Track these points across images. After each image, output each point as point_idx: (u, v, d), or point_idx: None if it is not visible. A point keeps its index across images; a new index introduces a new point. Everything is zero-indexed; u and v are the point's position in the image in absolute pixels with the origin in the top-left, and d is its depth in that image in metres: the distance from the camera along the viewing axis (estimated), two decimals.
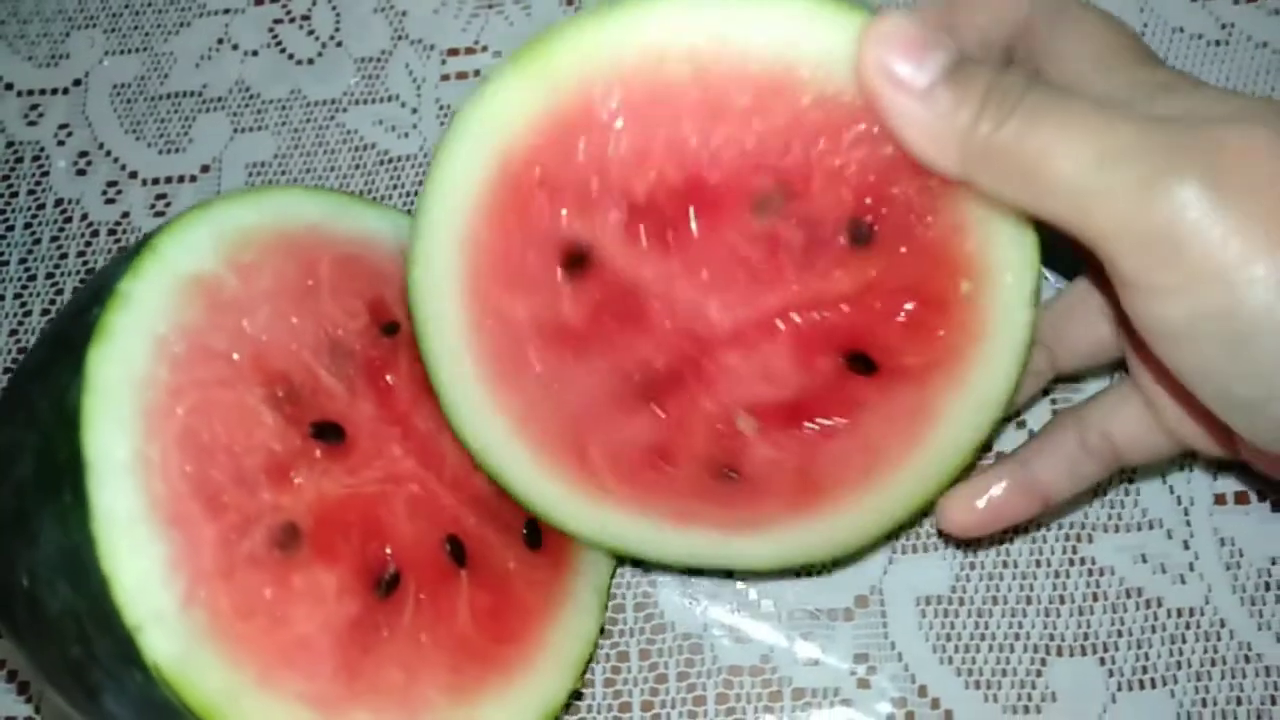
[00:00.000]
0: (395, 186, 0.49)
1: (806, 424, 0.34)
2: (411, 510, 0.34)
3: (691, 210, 0.31)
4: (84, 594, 0.28)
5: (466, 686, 0.33)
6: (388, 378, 0.35)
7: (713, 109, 0.29)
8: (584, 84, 0.29)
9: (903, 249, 0.31)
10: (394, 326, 0.36)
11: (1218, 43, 0.46)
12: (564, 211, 0.31)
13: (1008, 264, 0.31)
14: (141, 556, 0.28)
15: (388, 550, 0.33)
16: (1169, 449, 0.34)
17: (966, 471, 0.35)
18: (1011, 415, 0.38)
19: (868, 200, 0.30)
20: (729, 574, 0.41)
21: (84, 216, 0.50)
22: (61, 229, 0.50)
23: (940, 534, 0.41)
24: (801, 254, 0.31)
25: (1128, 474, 0.41)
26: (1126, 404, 0.35)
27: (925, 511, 0.37)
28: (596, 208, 0.31)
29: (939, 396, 0.33)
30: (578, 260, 0.32)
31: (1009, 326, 0.31)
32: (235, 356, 0.31)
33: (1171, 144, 0.25)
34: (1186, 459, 0.40)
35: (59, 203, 0.50)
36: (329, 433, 0.33)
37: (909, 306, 0.32)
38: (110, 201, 0.50)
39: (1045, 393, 0.41)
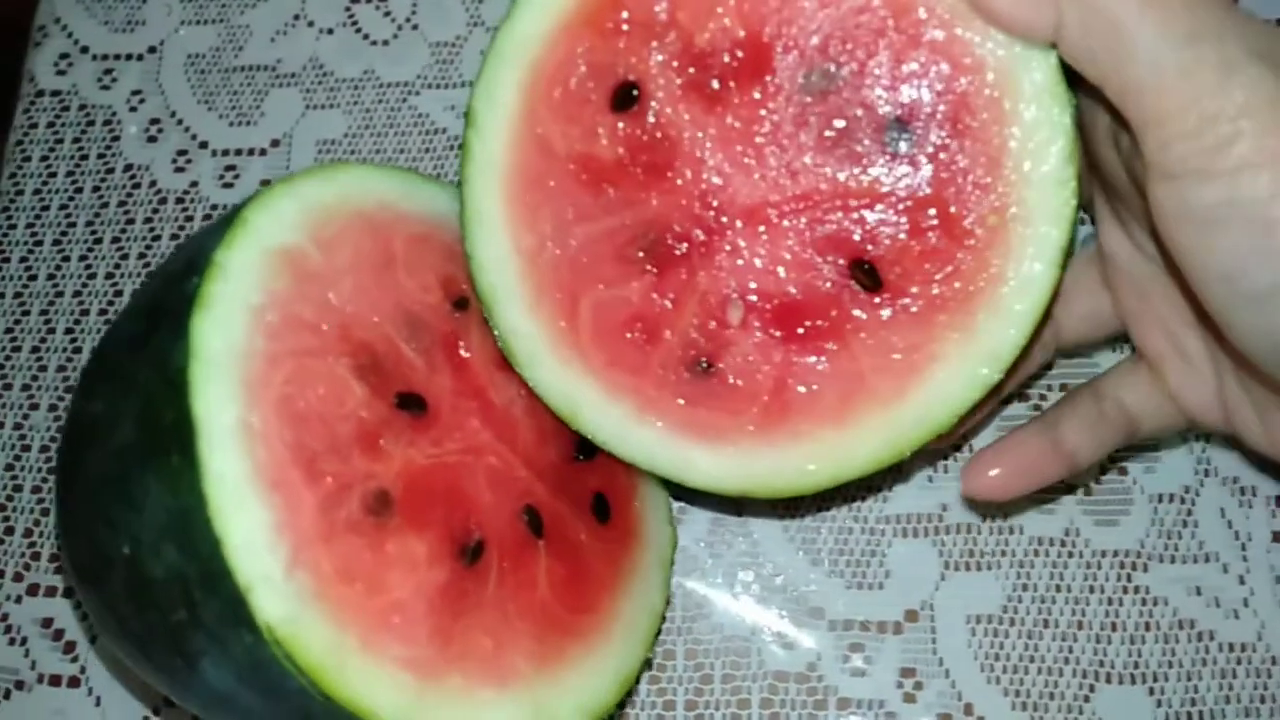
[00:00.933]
0: None
1: (795, 335, 0.33)
2: (491, 481, 0.34)
3: (744, 67, 0.32)
4: (192, 556, 0.28)
5: (549, 655, 0.33)
6: (463, 352, 0.36)
7: None
8: None
9: (939, 165, 0.31)
10: (465, 302, 0.36)
11: None
12: (622, 44, 0.33)
13: (1046, 213, 0.30)
14: (250, 519, 0.28)
15: (472, 520, 0.33)
16: (1177, 420, 0.36)
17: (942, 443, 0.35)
18: (1012, 395, 0.39)
19: (918, 106, 0.31)
20: (687, 494, 0.42)
21: (153, 183, 0.50)
22: (129, 194, 0.50)
23: (977, 507, 0.41)
24: (838, 143, 0.32)
25: (1187, 504, 0.41)
26: (1135, 374, 0.36)
27: (893, 468, 0.34)
28: (656, 44, 0.32)
29: (939, 339, 0.32)
30: (625, 97, 0.33)
31: (1029, 280, 0.31)
32: (324, 327, 0.31)
33: (1259, 33, 0.26)
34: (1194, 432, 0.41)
35: (128, 168, 0.50)
36: (413, 403, 0.33)
37: (932, 219, 0.31)
38: (180, 170, 0.50)
39: (1047, 367, 0.41)
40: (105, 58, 0.53)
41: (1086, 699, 0.39)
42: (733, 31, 0.31)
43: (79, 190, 0.50)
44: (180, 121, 0.51)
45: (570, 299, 0.35)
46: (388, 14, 0.52)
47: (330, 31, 0.52)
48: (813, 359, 0.33)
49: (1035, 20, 0.28)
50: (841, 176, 0.32)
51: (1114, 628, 0.40)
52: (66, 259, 0.49)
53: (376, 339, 0.33)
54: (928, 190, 0.31)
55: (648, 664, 0.40)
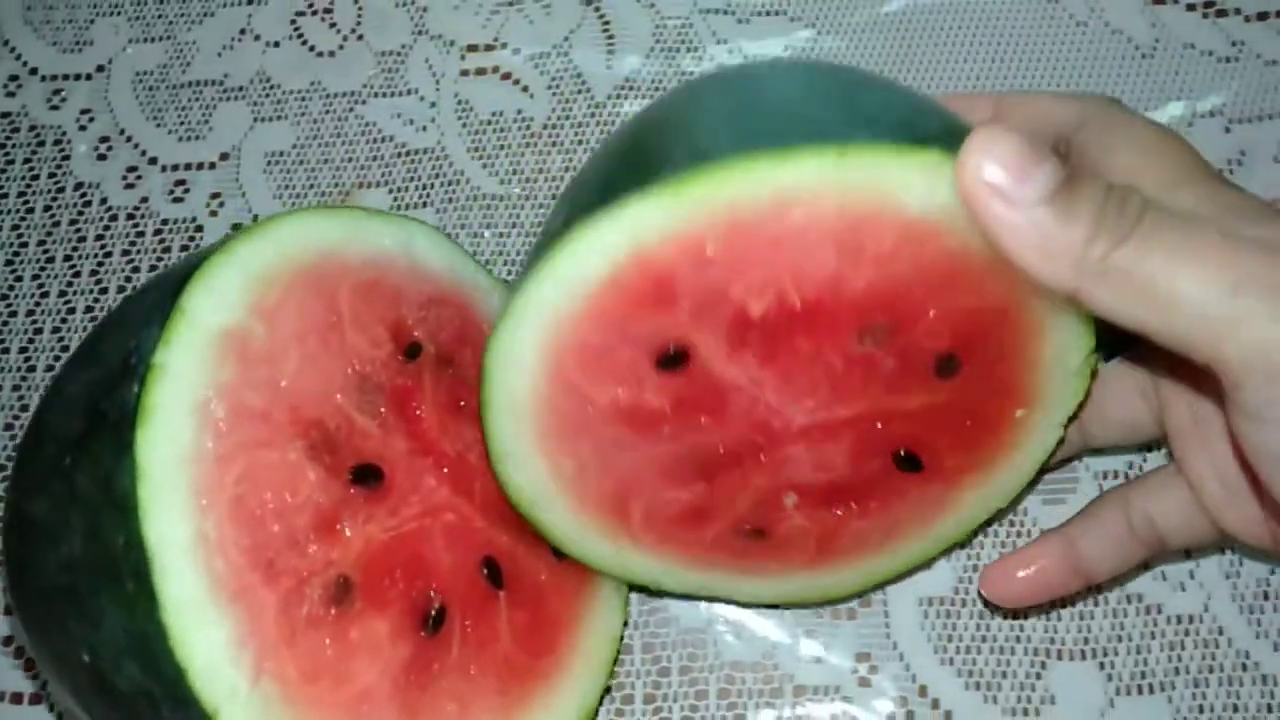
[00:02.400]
0: (412, 179, 0.49)
1: (843, 507, 0.36)
2: (449, 539, 0.34)
3: (798, 328, 0.31)
4: (155, 677, 0.28)
5: (513, 705, 0.34)
6: (416, 409, 0.34)
7: (849, 247, 0.29)
8: (728, 209, 0.28)
9: (978, 380, 0.33)
10: (416, 347, 0.35)
11: (1228, 59, 0.47)
12: (669, 317, 0.31)
13: (1060, 398, 0.34)
14: (211, 639, 0.27)
15: (432, 585, 0.33)
16: (1211, 536, 0.35)
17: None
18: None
19: (965, 343, 0.32)
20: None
21: (103, 201, 0.50)
22: (81, 212, 0.50)
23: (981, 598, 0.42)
24: (890, 377, 0.32)
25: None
26: (1170, 489, 0.35)
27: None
28: (707, 320, 0.31)
29: (963, 487, 0.36)
30: (674, 360, 0.32)
31: (1042, 443, 0.35)
32: (272, 412, 0.30)
33: None
34: (1227, 546, 0.41)
35: (79, 186, 0.51)
36: (368, 476, 0.32)
37: (968, 421, 0.34)
38: (130, 186, 0.50)
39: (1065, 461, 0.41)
40: (54, 78, 0.53)
41: (1039, 676, 0.40)
42: (788, 303, 0.30)
43: (30, 210, 0.51)
44: (129, 139, 0.51)
45: (619, 503, 0.35)
46: (333, 25, 0.52)
47: (276, 44, 0.52)
48: (857, 522, 0.36)
49: (1048, 276, 0.27)
50: (892, 401, 0.33)
51: (1063, 604, 0.40)
52: (19, 279, 0.49)
53: (328, 413, 0.31)
54: (969, 403, 0.33)
55: (608, 689, 0.41)
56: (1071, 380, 0.33)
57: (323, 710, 0.29)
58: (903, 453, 0.34)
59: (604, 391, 0.32)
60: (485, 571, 0.34)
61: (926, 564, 0.40)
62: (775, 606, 0.41)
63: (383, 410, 0.33)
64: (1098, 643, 0.40)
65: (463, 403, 0.36)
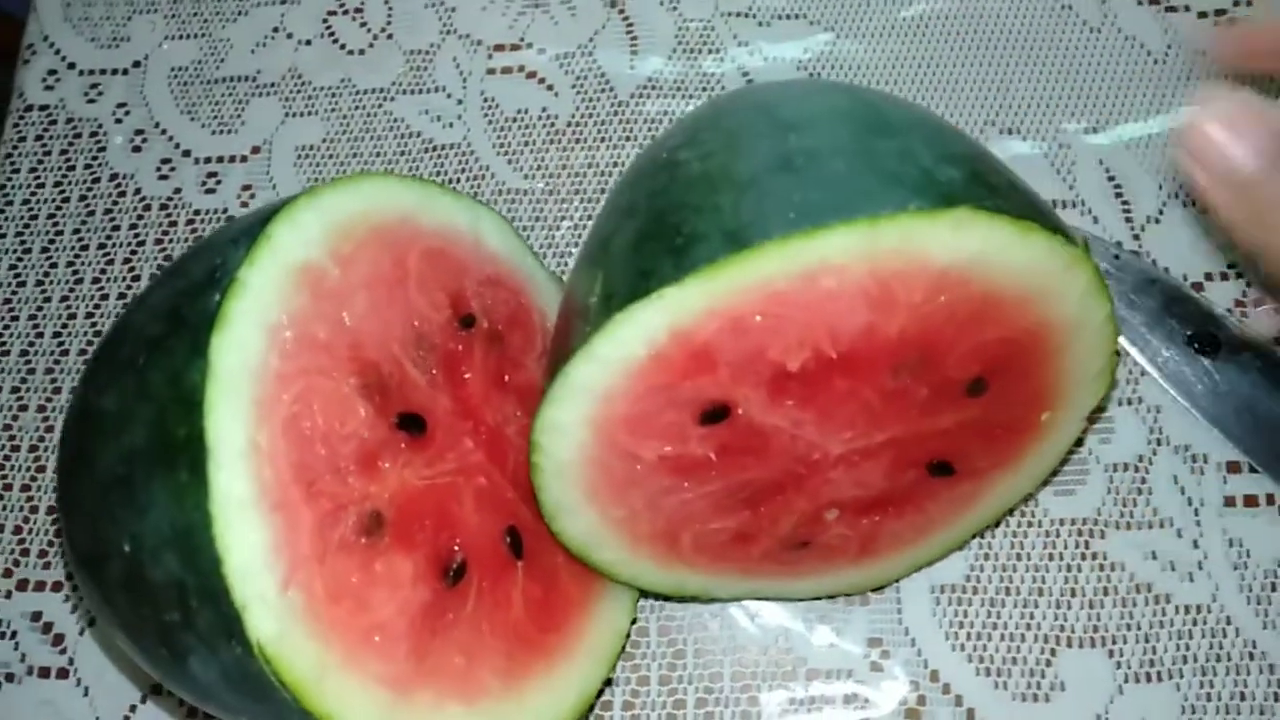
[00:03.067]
0: (438, 173, 0.50)
1: (880, 514, 0.37)
2: (478, 502, 0.35)
3: (835, 374, 0.32)
4: (192, 569, 0.29)
5: (516, 673, 0.34)
6: (465, 373, 0.36)
7: (882, 302, 0.30)
8: (763, 285, 0.29)
9: (1006, 395, 0.34)
10: (471, 319, 0.37)
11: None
12: (711, 380, 0.31)
13: (1084, 398, 0.35)
14: (250, 540, 0.29)
15: (457, 540, 0.34)
16: None
17: None
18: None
19: (996, 367, 0.33)
20: None
21: (137, 191, 0.52)
22: (115, 202, 0.52)
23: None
24: (923, 404, 0.33)
25: (1141, 472, 0.42)
26: None
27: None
28: (747, 378, 0.31)
29: (993, 483, 0.37)
30: (716, 415, 0.32)
31: (1067, 436, 0.37)
32: (335, 346, 0.32)
33: None
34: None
35: (114, 177, 0.52)
36: (413, 424, 0.33)
37: (998, 430, 0.35)
38: (163, 178, 0.52)
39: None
40: (91, 73, 0.54)
41: (1048, 663, 0.40)
42: (824, 354, 0.31)
43: (66, 200, 0.52)
44: (164, 131, 0.53)
45: (670, 537, 0.36)
46: (364, 24, 0.54)
47: (308, 43, 0.54)
48: (894, 523, 0.38)
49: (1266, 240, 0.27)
50: (924, 424, 0.34)
51: (1073, 593, 0.41)
52: (54, 265, 0.51)
53: (384, 358, 0.33)
54: (998, 415, 0.35)
55: (608, 682, 0.41)
56: (1093, 383, 0.35)
57: (340, 630, 0.30)
58: (936, 462, 0.36)
59: (650, 449, 0.33)
60: (508, 540, 0.35)
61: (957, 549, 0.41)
62: (816, 599, 0.42)
63: (434, 370, 0.35)
64: (1107, 631, 0.41)
65: (507, 378, 0.37)
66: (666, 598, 0.42)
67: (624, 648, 0.40)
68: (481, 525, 0.35)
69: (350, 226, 0.33)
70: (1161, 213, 0.46)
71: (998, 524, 0.42)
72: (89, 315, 0.50)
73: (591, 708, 0.41)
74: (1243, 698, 0.39)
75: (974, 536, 0.40)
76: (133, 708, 0.43)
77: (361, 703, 0.30)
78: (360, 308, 0.33)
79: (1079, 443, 0.43)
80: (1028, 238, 0.29)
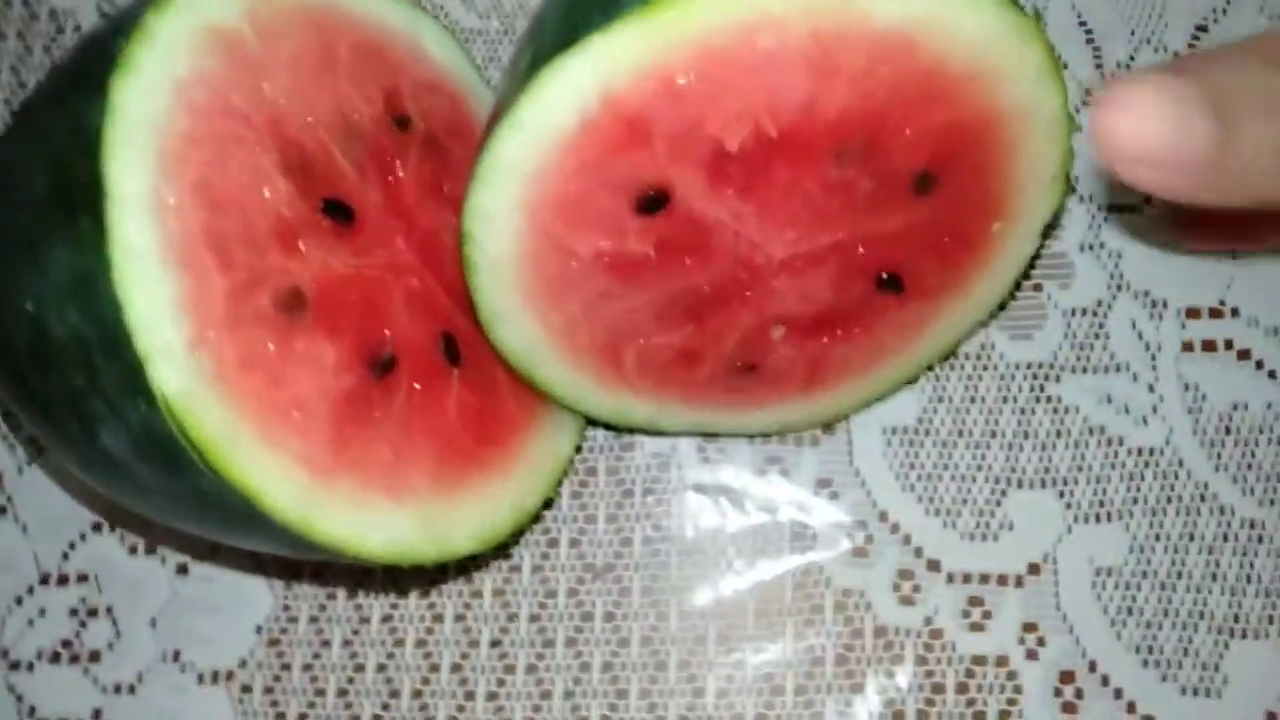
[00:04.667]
0: None
1: (829, 334, 0.36)
2: (410, 303, 0.34)
3: (776, 157, 0.31)
4: (94, 320, 0.28)
5: (447, 478, 0.34)
6: (398, 171, 0.35)
7: (823, 69, 0.29)
8: (697, 38, 0.28)
9: (955, 196, 0.32)
10: (406, 120, 0.36)
11: None
12: (645, 158, 0.30)
13: (1037, 208, 0.34)
14: (154, 290, 0.28)
15: (386, 333, 0.33)
16: None
17: None
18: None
19: (943, 158, 0.31)
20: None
21: (77, 28, 0.50)
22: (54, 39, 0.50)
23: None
24: (868, 199, 0.32)
25: (1100, 317, 0.41)
26: None
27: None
28: (684, 157, 0.30)
29: (944, 307, 0.36)
30: (654, 203, 0.31)
31: (1020, 253, 0.35)
32: (253, 117, 0.31)
33: None
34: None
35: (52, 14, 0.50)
36: (338, 211, 0.32)
37: (947, 239, 0.34)
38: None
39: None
40: None
41: (998, 503, 0.40)
42: (764, 132, 0.30)
43: (2, 37, 0.50)
44: None
45: (612, 352, 0.35)
46: None
47: None
48: (843, 347, 0.36)
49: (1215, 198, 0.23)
50: (871, 224, 0.33)
51: (1025, 435, 0.41)
52: None
53: (308, 139, 0.32)
54: (947, 220, 0.33)
55: (549, 503, 0.41)
56: (1047, 189, 0.33)
57: (253, 402, 0.29)
58: (884, 275, 0.35)
59: (586, 242, 0.32)
60: (443, 345, 0.35)
61: (909, 382, 0.40)
62: (766, 435, 0.42)
63: (363, 160, 0.34)
64: (1058, 473, 0.40)
65: (446, 188, 0.36)
66: (612, 428, 0.42)
67: (567, 473, 0.40)
68: (414, 325, 0.34)
69: None
70: (1133, 58, 0.45)
71: (948, 359, 0.41)
72: None
73: (524, 530, 0.41)
74: (1191, 539, 0.39)
75: (925, 371, 0.40)
76: (72, 544, 0.43)
77: (277, 476, 0.29)
78: (283, 83, 0.31)
79: (1038, 287, 0.42)
80: (978, 3, 0.28)
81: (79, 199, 0.28)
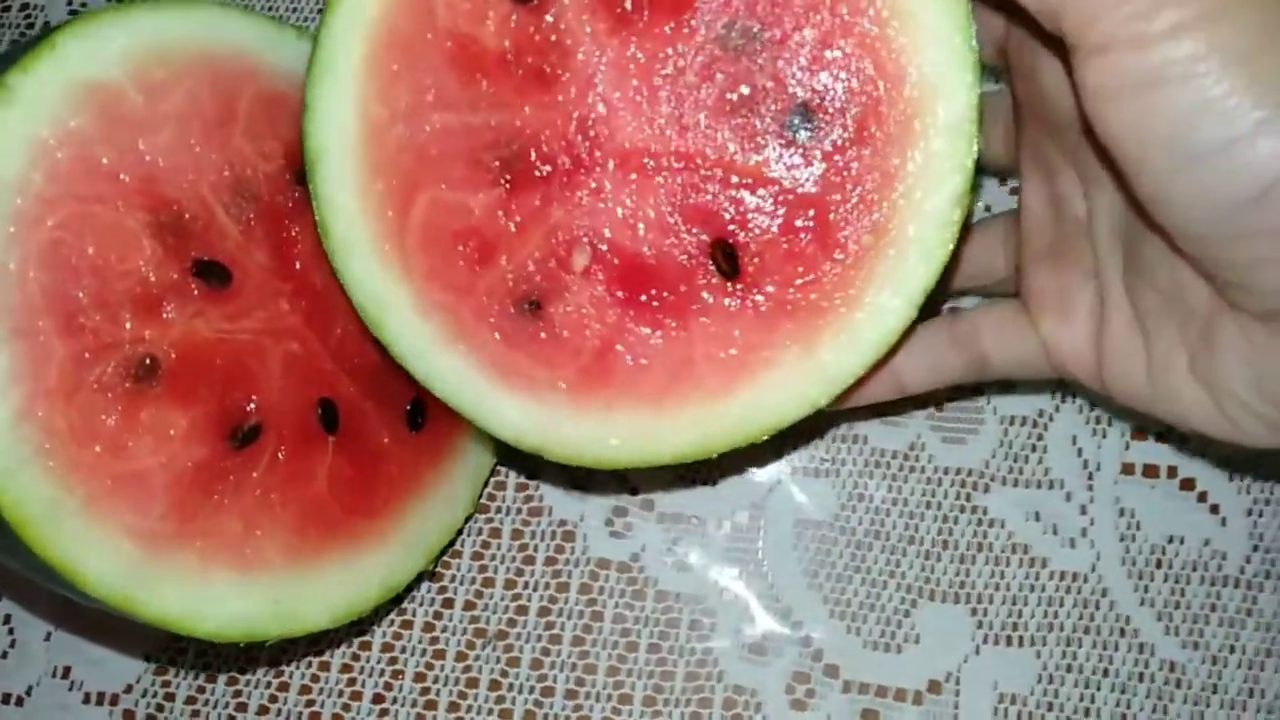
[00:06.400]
0: (294, 12, 0.47)
1: (633, 301, 0.31)
2: (287, 368, 0.33)
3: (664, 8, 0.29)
4: None
5: (307, 551, 0.33)
6: (293, 230, 0.34)
7: None
8: None
9: (831, 166, 0.29)
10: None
11: None
12: None
13: (921, 249, 0.29)
14: None
15: (252, 401, 0.32)
16: (1035, 360, 0.33)
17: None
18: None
19: (829, 97, 0.29)
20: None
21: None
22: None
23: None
24: (739, 116, 0.30)
25: (1040, 428, 0.39)
26: (999, 310, 0.34)
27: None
28: None
29: (779, 347, 0.30)
30: None
31: (885, 313, 0.30)
32: (122, 176, 0.30)
33: None
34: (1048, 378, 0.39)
35: None
36: (212, 272, 0.32)
37: (808, 220, 0.30)
38: None
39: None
40: None
41: (907, 614, 0.38)
42: None
43: None
44: None
45: (407, 189, 0.31)
46: None
47: None
48: (647, 330, 0.31)
49: None
50: (730, 148, 0.30)
51: (945, 546, 0.39)
52: None
53: (187, 198, 0.31)
54: (812, 189, 0.30)
55: (430, 574, 0.40)
56: (941, 224, 0.29)
57: (85, 473, 0.28)
58: (723, 244, 0.30)
59: (451, 4, 0.30)
60: (320, 411, 0.34)
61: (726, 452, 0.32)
62: (527, 462, 0.39)
63: (252, 220, 0.33)
64: (974, 588, 0.38)
65: None
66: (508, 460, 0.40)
67: (453, 543, 0.39)
68: (288, 393, 0.33)
69: (166, 53, 0.31)
70: None
71: (796, 440, 0.38)
72: None
73: (400, 599, 0.40)
74: (1105, 674, 0.37)
75: (765, 437, 0.31)
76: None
77: (102, 552, 0.28)
78: (165, 140, 0.31)
79: (978, 391, 0.40)
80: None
81: None
